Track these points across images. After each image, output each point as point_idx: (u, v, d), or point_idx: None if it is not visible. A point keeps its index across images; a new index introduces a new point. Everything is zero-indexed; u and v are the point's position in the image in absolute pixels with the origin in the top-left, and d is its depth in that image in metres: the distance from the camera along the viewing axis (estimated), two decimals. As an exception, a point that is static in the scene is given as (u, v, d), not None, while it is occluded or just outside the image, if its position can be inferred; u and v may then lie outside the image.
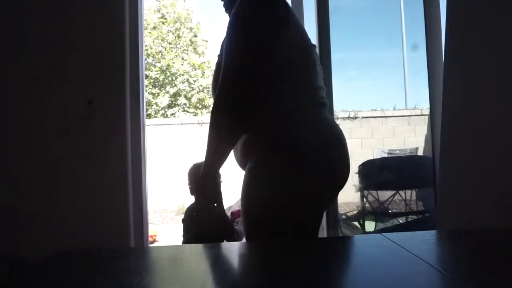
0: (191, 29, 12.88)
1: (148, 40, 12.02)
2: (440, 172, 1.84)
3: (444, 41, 1.84)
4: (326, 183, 1.06)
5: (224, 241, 2.44)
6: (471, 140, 1.74)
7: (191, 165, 2.87)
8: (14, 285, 0.66)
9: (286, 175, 1.03)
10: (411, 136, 5.79)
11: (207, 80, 12.20)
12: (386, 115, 5.97)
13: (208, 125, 1.07)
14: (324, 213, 1.71)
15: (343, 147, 1.11)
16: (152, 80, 12.00)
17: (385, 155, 5.49)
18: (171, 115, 11.61)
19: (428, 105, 2.21)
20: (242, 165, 1.15)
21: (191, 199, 2.78)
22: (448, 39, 1.81)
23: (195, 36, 12.89)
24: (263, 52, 1.03)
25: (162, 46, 12.27)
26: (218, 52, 1.19)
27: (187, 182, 2.77)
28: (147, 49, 11.96)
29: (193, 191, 2.52)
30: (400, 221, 3.89)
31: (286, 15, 1.06)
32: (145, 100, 2.20)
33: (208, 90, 12.34)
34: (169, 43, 12.39)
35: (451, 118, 1.80)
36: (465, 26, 1.78)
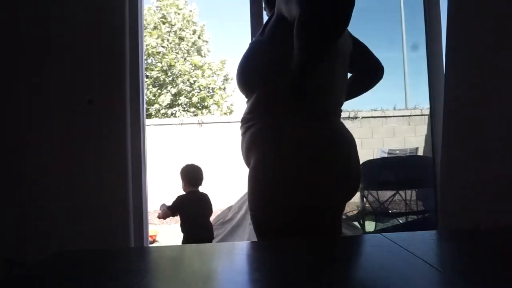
0: (194, 31, 12.87)
1: (149, 40, 12.02)
2: (442, 172, 1.83)
3: (445, 39, 1.84)
4: (328, 183, 1.06)
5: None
6: (473, 139, 1.74)
7: (184, 165, 3.09)
8: (14, 285, 0.66)
9: (288, 173, 1.02)
10: (411, 136, 5.79)
11: (207, 80, 12.21)
12: (386, 115, 5.97)
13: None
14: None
15: (349, 153, 1.11)
16: (152, 80, 12.01)
17: (385, 155, 5.49)
18: (171, 114, 11.62)
19: (428, 105, 2.21)
20: (247, 162, 1.14)
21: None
22: (450, 37, 1.81)
23: (199, 38, 12.89)
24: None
25: (162, 46, 12.27)
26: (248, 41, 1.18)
27: (180, 178, 3.00)
28: (147, 49, 11.97)
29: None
30: (400, 221, 3.89)
31: None
32: (145, 100, 2.20)
33: (208, 90, 12.34)
34: (169, 43, 12.38)
35: (453, 117, 1.79)
36: (467, 24, 1.78)
